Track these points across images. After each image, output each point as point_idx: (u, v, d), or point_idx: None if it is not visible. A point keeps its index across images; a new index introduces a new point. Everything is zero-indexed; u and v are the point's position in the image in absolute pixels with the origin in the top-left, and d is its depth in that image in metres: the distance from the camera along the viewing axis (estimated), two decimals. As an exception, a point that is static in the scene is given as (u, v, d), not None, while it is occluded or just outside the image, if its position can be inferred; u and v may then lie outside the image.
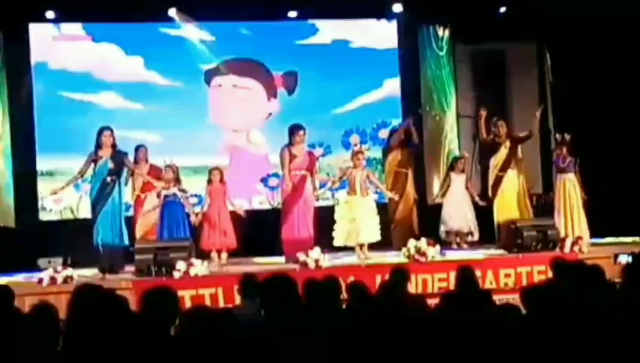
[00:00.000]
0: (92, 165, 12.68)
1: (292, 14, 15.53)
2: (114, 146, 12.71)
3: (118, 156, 12.72)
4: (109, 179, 12.62)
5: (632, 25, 15.10)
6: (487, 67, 16.66)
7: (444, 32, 16.37)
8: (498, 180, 14.07)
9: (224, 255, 13.57)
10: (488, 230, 14.26)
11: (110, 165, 12.65)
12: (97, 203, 12.66)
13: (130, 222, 13.71)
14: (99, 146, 12.68)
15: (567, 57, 15.96)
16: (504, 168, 14.07)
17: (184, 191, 13.43)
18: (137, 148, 13.94)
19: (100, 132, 12.76)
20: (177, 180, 13.43)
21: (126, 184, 13.36)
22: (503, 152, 14.10)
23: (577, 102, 15.67)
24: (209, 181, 13.69)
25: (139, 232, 13.74)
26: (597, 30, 15.29)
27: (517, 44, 16.46)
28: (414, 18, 16.01)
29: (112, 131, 12.83)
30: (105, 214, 12.60)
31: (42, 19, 14.82)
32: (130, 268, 12.37)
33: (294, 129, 13.49)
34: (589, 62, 15.55)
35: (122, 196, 12.91)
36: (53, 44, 15.20)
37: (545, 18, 15.77)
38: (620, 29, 15.17)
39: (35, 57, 15.05)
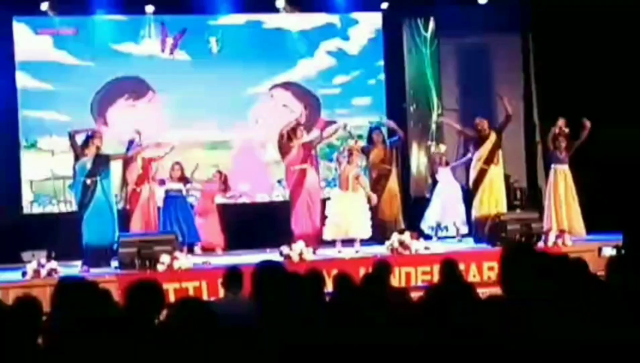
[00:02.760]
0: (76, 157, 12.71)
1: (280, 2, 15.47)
2: (97, 150, 12.74)
3: (99, 159, 12.74)
4: (88, 181, 12.62)
5: (617, 15, 15.11)
6: (471, 59, 16.67)
7: (427, 26, 16.37)
8: (482, 173, 14.10)
9: (219, 251, 13.87)
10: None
11: (90, 166, 12.63)
12: (82, 205, 12.70)
13: (124, 215, 13.69)
14: (86, 144, 12.68)
15: (551, 49, 15.97)
16: (487, 161, 14.10)
17: (189, 181, 13.72)
18: (130, 142, 13.96)
19: (93, 134, 12.79)
20: (183, 177, 13.61)
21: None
22: (488, 145, 14.13)
23: (562, 94, 15.68)
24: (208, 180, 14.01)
25: (137, 224, 13.66)
26: (581, 20, 15.29)
27: (501, 36, 16.46)
28: (397, 12, 16.01)
29: (101, 136, 12.93)
30: (91, 215, 12.61)
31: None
32: (114, 261, 12.37)
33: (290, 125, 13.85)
34: (574, 53, 15.56)
35: (109, 193, 12.86)
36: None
37: (529, 9, 15.83)
38: (606, 18, 15.18)
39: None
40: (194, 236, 13.70)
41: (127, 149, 13.57)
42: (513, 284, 4.83)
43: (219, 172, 14.32)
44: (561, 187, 14.09)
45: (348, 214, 13.30)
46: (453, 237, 14.49)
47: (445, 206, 14.54)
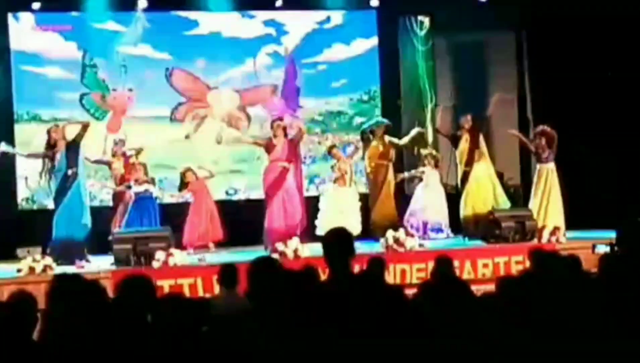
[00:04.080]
0: (47, 162, 12.66)
1: (278, 2, 15.52)
2: (64, 137, 12.68)
3: (73, 147, 12.67)
4: (69, 172, 12.57)
5: (611, 16, 15.15)
6: (466, 57, 16.68)
7: (423, 23, 16.40)
8: (464, 176, 14.18)
9: (211, 245, 13.77)
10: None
11: (65, 158, 12.58)
12: (57, 196, 12.66)
13: (103, 213, 13.75)
14: (50, 144, 12.62)
15: (545, 47, 15.99)
16: (468, 162, 14.15)
17: (152, 182, 13.58)
18: (115, 143, 14.01)
19: (48, 132, 12.74)
20: (146, 175, 13.52)
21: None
22: (464, 146, 14.18)
23: (555, 92, 15.71)
24: (185, 184, 13.83)
25: (116, 225, 13.61)
26: (575, 21, 15.33)
27: (496, 33, 16.48)
28: (393, 9, 16.03)
29: (58, 125, 12.88)
30: (63, 208, 12.56)
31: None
32: (109, 257, 12.36)
33: (272, 122, 13.86)
34: (568, 52, 15.59)
35: (82, 187, 12.81)
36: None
37: (523, 8, 15.86)
38: (599, 19, 15.21)
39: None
40: None
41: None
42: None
43: (189, 170, 14.15)
44: (541, 185, 14.08)
45: (344, 212, 13.36)
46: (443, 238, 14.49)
47: (428, 207, 14.50)
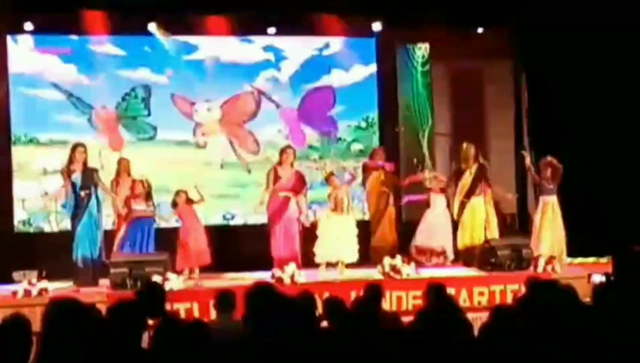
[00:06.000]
0: (68, 179, 12.70)
1: (271, 30, 15.57)
2: (85, 163, 12.73)
3: (88, 171, 12.72)
4: (82, 194, 12.62)
5: (607, 45, 15.21)
6: (465, 85, 16.73)
7: (421, 51, 16.46)
8: (461, 206, 14.18)
9: (197, 270, 13.59)
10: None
11: (80, 180, 12.65)
12: (75, 217, 12.68)
13: (111, 236, 13.64)
14: (71, 161, 12.70)
15: (542, 75, 16.03)
16: (468, 194, 14.16)
17: (153, 205, 13.50)
18: (119, 161, 13.99)
19: (74, 148, 12.80)
20: (148, 195, 13.48)
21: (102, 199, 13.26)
22: (467, 178, 14.20)
23: (553, 121, 15.74)
24: (174, 204, 13.78)
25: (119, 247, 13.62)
26: (571, 49, 15.39)
27: (493, 61, 16.53)
28: (391, 36, 16.08)
29: (85, 147, 12.90)
30: (83, 228, 12.61)
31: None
32: (105, 281, 12.35)
33: (281, 149, 13.94)
34: (564, 80, 15.63)
35: (100, 209, 12.88)
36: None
37: (521, 36, 15.93)
38: (595, 48, 15.27)
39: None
40: None
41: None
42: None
43: (181, 190, 14.08)
44: (550, 217, 14.09)
45: (340, 239, 13.38)
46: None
47: (434, 231, 14.51)
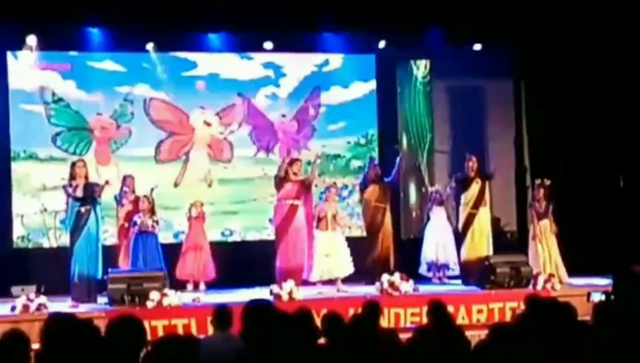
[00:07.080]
0: (69, 195, 12.69)
1: (268, 45, 15.55)
2: (86, 177, 12.73)
3: (89, 187, 12.70)
4: (82, 209, 12.60)
5: (606, 63, 15.25)
6: (465, 103, 16.74)
7: (421, 68, 16.48)
8: (470, 217, 14.17)
9: (202, 286, 13.74)
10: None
11: (81, 195, 12.61)
12: (74, 233, 12.65)
13: (110, 251, 13.62)
14: (72, 177, 12.69)
15: (543, 94, 16.06)
16: (475, 205, 14.18)
17: (157, 222, 13.51)
18: (124, 178, 13.99)
19: (73, 165, 12.79)
20: (152, 211, 13.50)
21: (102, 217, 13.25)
22: (475, 188, 14.21)
23: (553, 140, 15.77)
24: (189, 214, 13.96)
25: (124, 261, 13.63)
26: (572, 68, 15.43)
27: (494, 80, 16.55)
28: (392, 53, 16.10)
29: (84, 162, 12.89)
30: (81, 244, 12.57)
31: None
32: (103, 297, 12.33)
33: (291, 160, 13.90)
34: (565, 99, 15.67)
35: (99, 225, 12.85)
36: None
37: (521, 56, 15.97)
38: (595, 67, 15.31)
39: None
40: None
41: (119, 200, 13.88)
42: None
43: (198, 202, 14.27)
44: (546, 242, 14.18)
45: (330, 255, 13.37)
46: (456, 277, 14.45)
47: (439, 245, 14.52)
